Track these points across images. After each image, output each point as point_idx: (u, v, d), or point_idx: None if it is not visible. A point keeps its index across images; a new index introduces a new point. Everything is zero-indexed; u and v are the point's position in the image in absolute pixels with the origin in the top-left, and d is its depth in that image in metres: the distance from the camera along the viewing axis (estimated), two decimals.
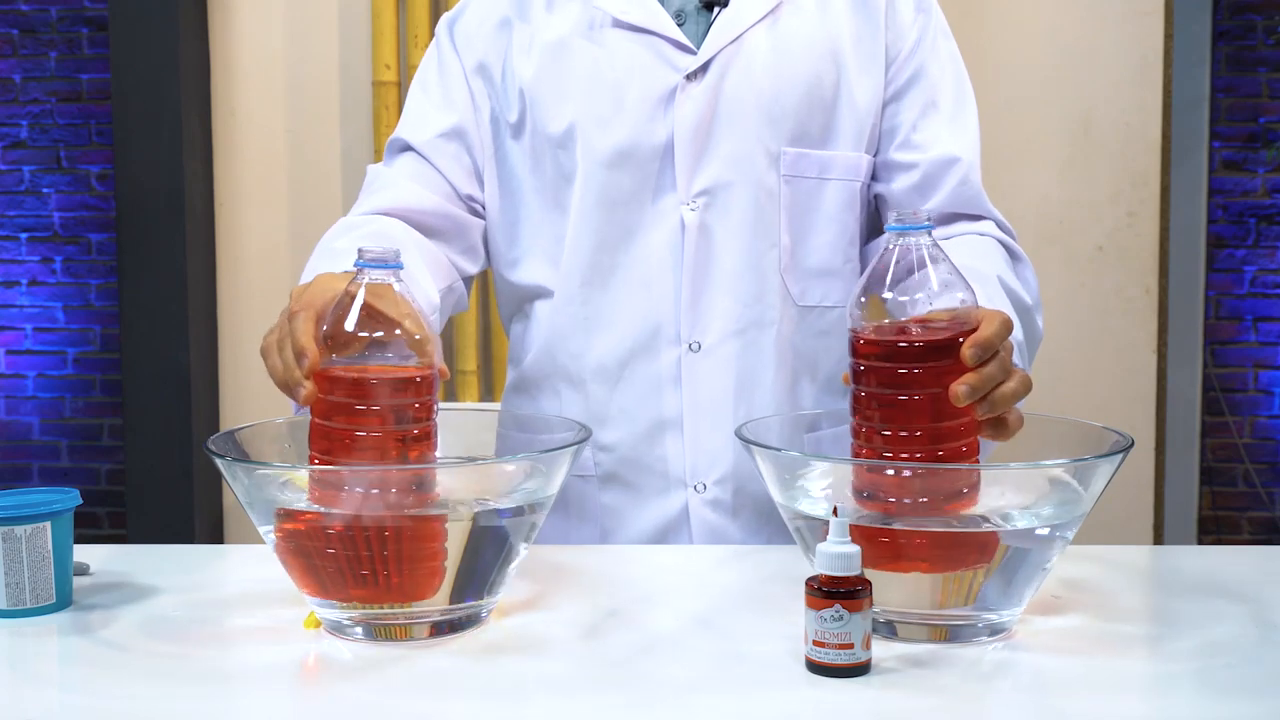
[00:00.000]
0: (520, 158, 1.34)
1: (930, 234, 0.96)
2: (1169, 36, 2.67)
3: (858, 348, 0.96)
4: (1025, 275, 1.33)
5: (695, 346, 1.28)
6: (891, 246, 0.96)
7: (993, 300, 1.17)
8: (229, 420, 2.82)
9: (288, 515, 0.94)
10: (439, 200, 1.33)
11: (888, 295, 0.95)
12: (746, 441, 0.98)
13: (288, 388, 1.01)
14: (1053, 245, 2.71)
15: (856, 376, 0.96)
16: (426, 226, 1.32)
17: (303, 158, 2.76)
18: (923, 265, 0.95)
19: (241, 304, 2.79)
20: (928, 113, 1.34)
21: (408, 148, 1.35)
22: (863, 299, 0.96)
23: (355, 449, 0.94)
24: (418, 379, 0.96)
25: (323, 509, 0.93)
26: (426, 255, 1.29)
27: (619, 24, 1.30)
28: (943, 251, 0.97)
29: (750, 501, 1.29)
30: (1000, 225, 1.37)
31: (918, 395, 0.93)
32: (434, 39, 1.40)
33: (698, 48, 1.29)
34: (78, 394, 3.83)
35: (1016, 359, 1.06)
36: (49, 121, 3.79)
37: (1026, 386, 1.00)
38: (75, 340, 3.82)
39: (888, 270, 0.96)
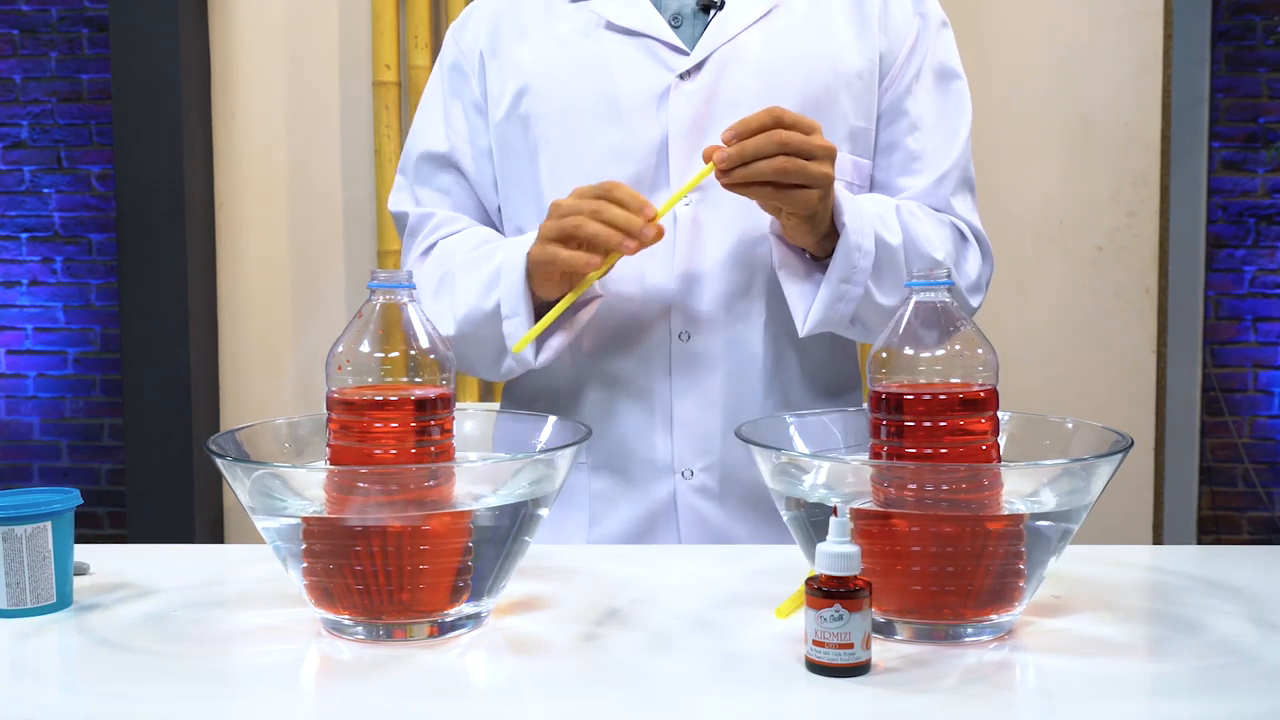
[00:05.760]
0: (518, 154, 1.36)
1: (950, 290, 0.97)
2: (1169, 37, 2.67)
3: (875, 403, 0.96)
4: (966, 255, 1.36)
5: (685, 336, 1.30)
6: (910, 302, 0.97)
7: (856, 202, 1.26)
8: (229, 420, 2.82)
9: (312, 533, 0.94)
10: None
11: (907, 351, 0.95)
12: (745, 440, 0.98)
13: (628, 234, 1.16)
14: (1053, 245, 2.72)
15: (874, 429, 0.97)
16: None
17: (303, 158, 2.76)
18: (940, 321, 0.96)
19: (241, 304, 2.79)
20: (909, 133, 1.36)
21: (449, 164, 1.41)
22: (881, 354, 0.96)
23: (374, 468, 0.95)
24: (435, 398, 0.97)
25: (343, 520, 0.93)
26: None
27: (613, 27, 1.33)
28: (961, 309, 0.97)
29: (737, 488, 1.31)
30: (968, 224, 1.39)
31: (943, 450, 0.93)
32: (442, 51, 1.44)
33: (693, 48, 1.31)
34: (78, 394, 3.83)
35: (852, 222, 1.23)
36: (49, 121, 3.79)
37: (781, 171, 1.15)
38: (75, 340, 3.82)
39: (906, 326, 0.96)
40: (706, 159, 1.17)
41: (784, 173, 1.16)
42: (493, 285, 1.27)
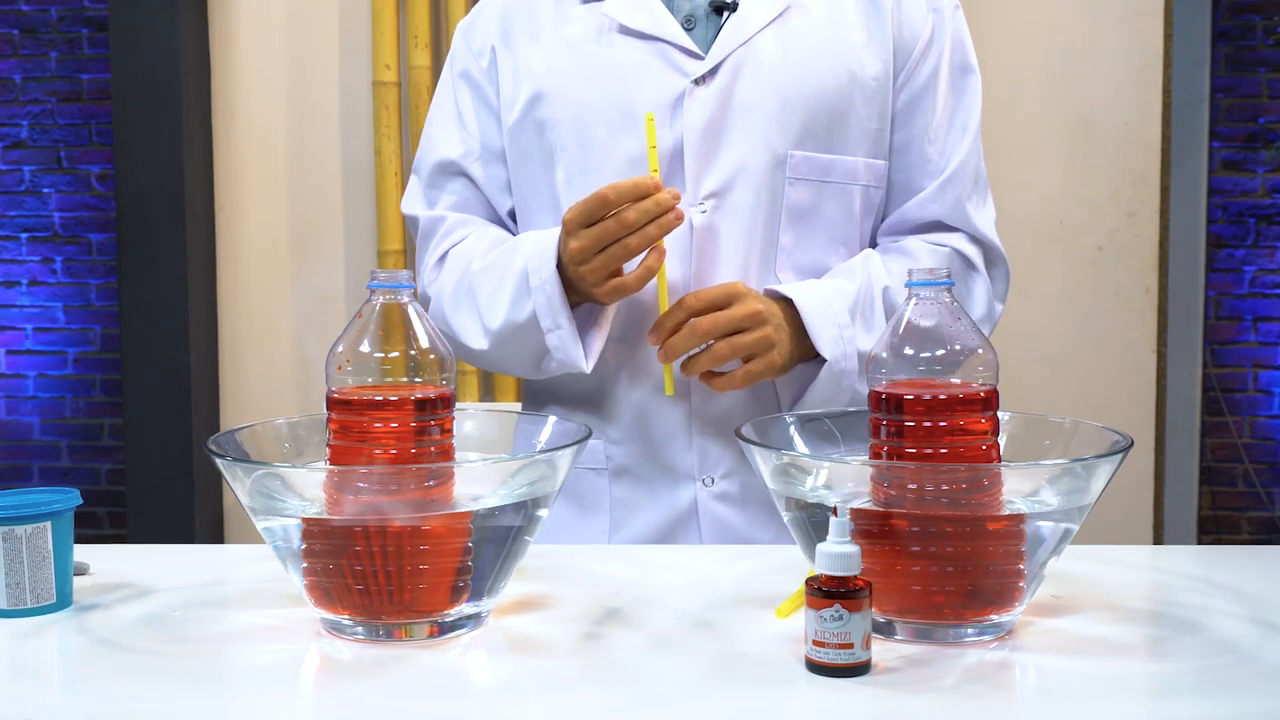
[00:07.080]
0: (532, 160, 1.35)
1: (950, 290, 0.97)
2: (1169, 37, 2.67)
3: (875, 403, 0.96)
4: (972, 288, 1.35)
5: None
6: (910, 302, 0.97)
7: (805, 292, 1.27)
8: (229, 420, 2.82)
9: (311, 533, 0.94)
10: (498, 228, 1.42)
11: (907, 351, 0.95)
12: (745, 440, 0.98)
13: (661, 219, 1.17)
14: (1053, 245, 2.72)
15: (874, 429, 0.97)
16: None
17: (303, 158, 2.76)
18: (941, 321, 0.96)
19: (241, 304, 2.79)
20: (925, 133, 1.36)
21: (460, 171, 1.40)
22: (881, 354, 0.96)
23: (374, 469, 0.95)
24: (435, 398, 0.97)
25: (343, 520, 0.93)
26: None
27: (626, 30, 1.31)
28: (962, 308, 0.97)
29: (757, 494, 1.31)
30: (974, 238, 1.37)
31: (943, 450, 0.93)
32: (452, 53, 1.43)
33: (707, 52, 1.29)
34: (78, 394, 3.83)
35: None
36: (49, 121, 3.79)
37: (718, 358, 1.22)
38: (75, 340, 3.82)
39: (906, 326, 0.96)
40: (653, 342, 1.25)
41: (724, 358, 1.23)
42: (522, 296, 1.26)
